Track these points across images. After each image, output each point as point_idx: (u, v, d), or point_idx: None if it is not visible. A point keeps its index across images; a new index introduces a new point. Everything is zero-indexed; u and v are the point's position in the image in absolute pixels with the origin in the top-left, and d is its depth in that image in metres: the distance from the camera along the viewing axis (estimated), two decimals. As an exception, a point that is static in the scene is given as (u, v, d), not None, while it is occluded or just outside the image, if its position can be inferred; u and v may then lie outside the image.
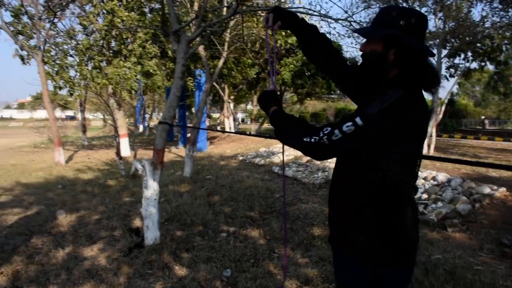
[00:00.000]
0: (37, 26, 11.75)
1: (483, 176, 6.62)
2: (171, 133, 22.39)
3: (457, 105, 31.84)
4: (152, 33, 12.93)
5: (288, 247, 4.12)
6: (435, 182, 6.39)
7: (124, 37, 12.67)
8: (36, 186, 8.30)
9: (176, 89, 4.21)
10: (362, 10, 11.99)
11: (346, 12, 6.40)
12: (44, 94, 12.48)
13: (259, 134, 21.90)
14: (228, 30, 9.42)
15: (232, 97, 24.93)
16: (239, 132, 22.85)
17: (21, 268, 3.62)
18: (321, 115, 43.63)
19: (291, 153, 10.63)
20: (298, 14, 1.92)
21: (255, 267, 3.56)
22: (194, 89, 15.81)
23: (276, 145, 13.17)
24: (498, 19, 11.14)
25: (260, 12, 6.77)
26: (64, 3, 12.23)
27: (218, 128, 28.52)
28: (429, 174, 6.80)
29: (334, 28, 53.24)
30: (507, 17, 10.99)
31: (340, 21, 5.94)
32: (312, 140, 1.33)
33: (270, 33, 1.81)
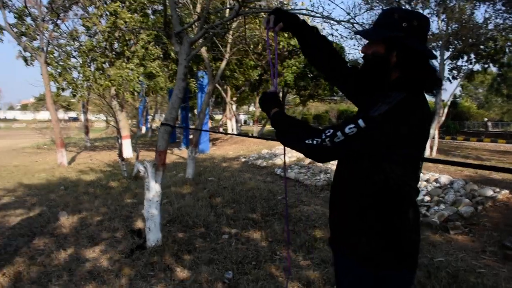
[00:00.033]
0: (41, 27, 11.81)
1: (486, 179, 6.60)
2: (174, 134, 22.42)
3: (460, 107, 31.78)
4: (154, 34, 12.96)
5: (290, 249, 4.11)
6: (438, 184, 6.37)
7: (127, 38, 12.71)
8: (38, 187, 8.32)
9: (178, 91, 4.21)
10: (364, 12, 11.98)
11: (348, 14, 6.36)
12: (47, 95, 12.53)
13: (261, 136, 21.91)
14: (231, 32, 9.42)
15: (234, 98, 24.97)
16: (242, 134, 22.90)
17: (23, 269, 3.63)
18: (323, 117, 43.64)
19: (293, 155, 10.62)
20: (300, 16, 1.92)
21: (257, 269, 3.56)
22: (196, 91, 15.83)
23: (278, 147, 13.18)
24: (501, 21, 11.10)
25: (262, 13, 6.78)
26: (67, 5, 12.30)
27: (221, 129, 28.56)
28: (432, 176, 6.78)
29: (337, 30, 53.16)
30: (511, 19, 10.95)
31: (343, 23, 5.92)
32: (314, 142, 1.32)
33: (272, 34, 1.79)
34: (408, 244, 1.39)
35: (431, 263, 3.65)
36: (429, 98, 1.48)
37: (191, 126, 20.08)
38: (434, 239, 4.56)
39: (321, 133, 1.32)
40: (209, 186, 7.65)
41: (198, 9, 7.95)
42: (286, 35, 15.30)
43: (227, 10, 8.08)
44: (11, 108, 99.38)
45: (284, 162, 1.86)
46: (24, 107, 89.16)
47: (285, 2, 9.87)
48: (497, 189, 5.69)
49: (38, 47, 12.08)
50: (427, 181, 6.66)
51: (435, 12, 11.51)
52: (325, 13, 6.48)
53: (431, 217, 5.17)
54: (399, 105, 1.27)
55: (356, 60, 17.17)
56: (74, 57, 12.66)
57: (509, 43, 11.95)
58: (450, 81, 13.84)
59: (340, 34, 13.50)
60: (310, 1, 21.34)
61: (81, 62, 12.27)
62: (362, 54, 1.50)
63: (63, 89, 12.39)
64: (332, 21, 6.04)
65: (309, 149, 1.37)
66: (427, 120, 1.38)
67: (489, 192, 5.62)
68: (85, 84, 12.31)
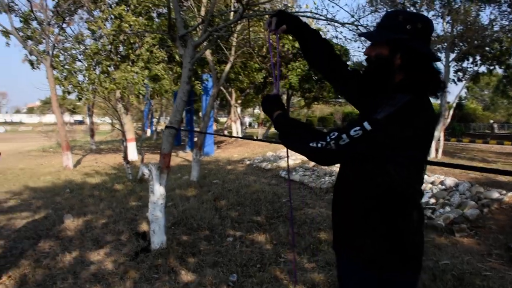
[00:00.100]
0: (46, 31, 11.91)
1: (492, 181, 6.55)
2: (178, 137, 22.46)
3: (465, 109, 31.61)
4: (159, 37, 13.01)
5: (295, 253, 4.10)
6: (443, 187, 6.34)
7: (132, 41, 12.78)
8: (44, 190, 8.37)
9: (183, 94, 4.22)
10: (369, 14, 11.94)
11: (352, 16, 6.36)
12: (52, 98, 12.63)
13: (266, 139, 21.89)
14: (235, 35, 9.44)
15: (239, 101, 24.99)
16: (246, 137, 22.89)
17: (28, 272, 3.64)
18: (328, 119, 43.57)
19: (298, 158, 10.60)
20: (305, 18, 1.91)
21: (262, 272, 3.55)
22: (201, 93, 15.86)
23: (283, 150, 13.16)
24: (507, 23, 11.07)
25: (267, 16, 6.77)
26: (72, 9, 12.39)
27: (225, 132, 28.57)
28: (437, 179, 6.75)
29: (341, 32, 53.12)
30: (516, 20, 10.92)
31: (347, 25, 5.91)
32: (319, 145, 1.32)
33: (274, 37, 1.78)
34: (412, 246, 1.39)
35: (436, 266, 3.63)
36: (434, 100, 1.48)
37: (195, 129, 20.11)
38: (440, 241, 4.53)
39: (326, 136, 1.31)
40: (214, 188, 7.65)
41: (202, 12, 7.97)
42: (290, 37, 15.34)
43: (231, 13, 8.10)
44: (18, 111, 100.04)
45: (288, 165, 1.85)
46: (30, 110, 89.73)
47: (289, 5, 9.88)
48: (503, 192, 5.65)
49: (44, 50, 12.18)
50: (432, 183, 6.63)
51: (440, 14, 11.49)
52: (329, 16, 6.50)
53: (437, 219, 5.14)
54: (404, 107, 1.27)
55: (361, 63, 17.15)
56: (79, 60, 12.74)
57: (514, 45, 11.89)
58: (455, 83, 13.80)
59: (345, 37, 13.60)
60: (314, 3, 21.29)
61: (86, 65, 12.35)
62: (366, 56, 1.50)
63: (68, 93, 12.46)
64: (336, 24, 6.03)
65: (313, 152, 1.35)
66: (431, 122, 1.38)
67: (495, 194, 5.57)
68: (91, 87, 12.37)
